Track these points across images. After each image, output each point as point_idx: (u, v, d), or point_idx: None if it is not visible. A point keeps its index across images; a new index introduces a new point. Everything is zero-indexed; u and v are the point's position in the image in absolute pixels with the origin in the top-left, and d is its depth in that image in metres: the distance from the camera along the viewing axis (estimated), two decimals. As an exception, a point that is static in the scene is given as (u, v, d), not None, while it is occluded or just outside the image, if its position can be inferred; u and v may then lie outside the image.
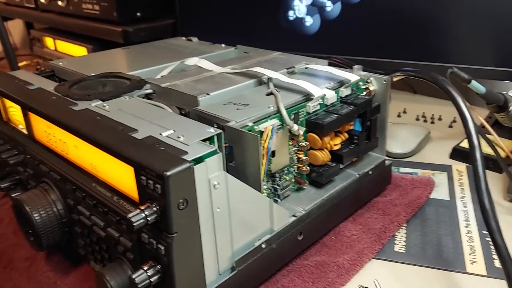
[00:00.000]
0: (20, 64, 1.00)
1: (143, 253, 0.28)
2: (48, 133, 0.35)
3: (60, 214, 0.35)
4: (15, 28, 1.32)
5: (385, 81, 0.41)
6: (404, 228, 0.41)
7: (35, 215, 0.33)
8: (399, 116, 0.66)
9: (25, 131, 0.38)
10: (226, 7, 0.70)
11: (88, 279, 0.37)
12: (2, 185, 0.41)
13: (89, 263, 0.37)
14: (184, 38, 0.62)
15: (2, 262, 0.45)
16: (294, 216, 0.35)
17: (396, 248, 0.38)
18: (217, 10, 0.71)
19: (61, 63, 0.49)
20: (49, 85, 0.40)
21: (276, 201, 0.37)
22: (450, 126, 0.62)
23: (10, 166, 0.41)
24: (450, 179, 0.48)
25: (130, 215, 0.24)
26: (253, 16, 0.67)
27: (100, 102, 0.36)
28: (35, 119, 0.36)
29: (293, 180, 0.38)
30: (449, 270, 0.35)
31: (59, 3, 0.85)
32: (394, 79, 0.42)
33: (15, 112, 0.40)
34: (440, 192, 0.46)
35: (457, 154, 0.53)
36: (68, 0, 0.83)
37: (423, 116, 0.65)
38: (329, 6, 0.61)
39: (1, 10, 1.06)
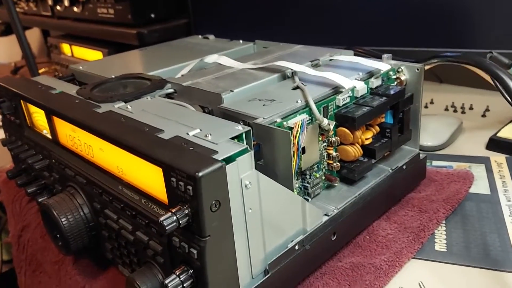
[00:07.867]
0: (39, 71, 1.02)
1: (173, 257, 0.27)
2: (73, 136, 0.34)
3: (87, 217, 0.34)
4: (32, 37, 1.34)
5: (417, 69, 0.38)
6: (444, 225, 0.38)
7: (62, 220, 0.33)
8: (426, 107, 0.63)
9: (49, 136, 0.38)
10: (238, 3, 0.68)
11: (116, 284, 0.36)
12: (29, 190, 0.41)
13: (117, 267, 0.36)
14: (200, 36, 0.61)
15: (32, 266, 0.45)
16: (326, 215, 0.34)
17: (437, 247, 0.36)
18: (229, 7, 0.70)
19: (81, 67, 0.48)
20: (71, 89, 0.40)
21: (306, 200, 0.35)
22: (483, 115, 0.59)
23: (36, 171, 0.41)
24: (489, 171, 0.46)
25: (161, 218, 0.23)
26: (267, 10, 0.66)
27: (123, 103, 0.35)
28: (59, 123, 0.36)
29: (323, 177, 0.36)
30: (499, 270, 0.33)
31: (75, 9, 0.85)
32: (427, 67, 0.40)
33: (39, 117, 0.39)
34: (479, 186, 0.43)
35: (495, 144, 0.49)
36: (84, 6, 0.83)
37: (453, 106, 0.62)
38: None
39: (20, 20, 1.08)
